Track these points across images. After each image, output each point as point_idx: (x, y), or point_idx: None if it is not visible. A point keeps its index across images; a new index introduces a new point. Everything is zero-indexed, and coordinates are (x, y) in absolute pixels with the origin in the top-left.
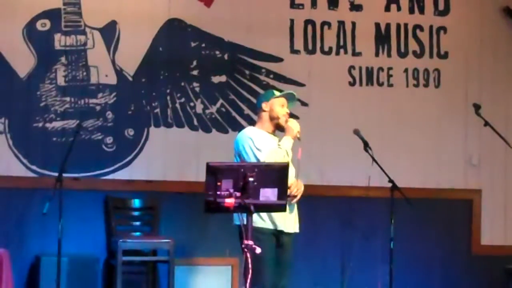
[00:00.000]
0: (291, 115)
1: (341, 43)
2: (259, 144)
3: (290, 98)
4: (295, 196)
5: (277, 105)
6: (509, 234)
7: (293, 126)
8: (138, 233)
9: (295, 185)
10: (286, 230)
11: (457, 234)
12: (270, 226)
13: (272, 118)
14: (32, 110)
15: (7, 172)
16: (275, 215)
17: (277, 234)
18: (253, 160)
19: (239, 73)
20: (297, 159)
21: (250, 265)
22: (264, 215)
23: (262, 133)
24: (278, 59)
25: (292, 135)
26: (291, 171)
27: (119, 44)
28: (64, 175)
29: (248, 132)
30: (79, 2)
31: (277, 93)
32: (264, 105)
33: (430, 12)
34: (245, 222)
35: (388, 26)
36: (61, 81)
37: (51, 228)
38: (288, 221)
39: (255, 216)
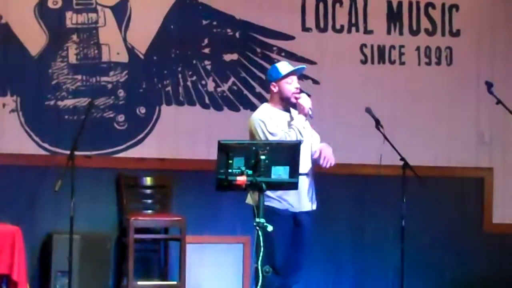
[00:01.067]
0: (301, 92)
1: (353, 21)
2: (271, 128)
3: (297, 71)
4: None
5: (285, 84)
6: None
7: (304, 103)
8: (149, 211)
9: (322, 154)
10: (301, 209)
11: (469, 212)
12: (285, 207)
13: (282, 98)
14: (44, 88)
15: (19, 150)
16: (290, 194)
17: (293, 214)
18: None
19: (251, 51)
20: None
21: (261, 243)
22: (279, 195)
23: (275, 112)
24: (290, 37)
25: (304, 112)
26: (307, 145)
27: (131, 22)
28: (76, 153)
29: (261, 114)
30: None
31: (283, 70)
32: (273, 86)
33: None
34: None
35: (400, 4)
36: (72, 59)
37: (63, 206)
38: (303, 200)
39: (271, 195)
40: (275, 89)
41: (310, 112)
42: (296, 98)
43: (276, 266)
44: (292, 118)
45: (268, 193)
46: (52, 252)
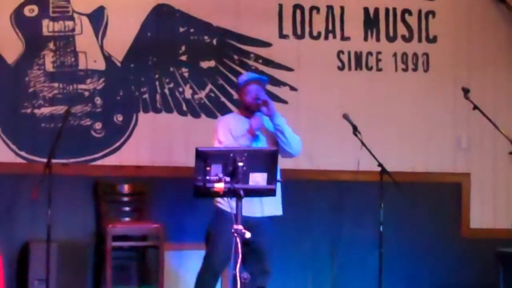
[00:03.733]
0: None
1: (330, 27)
2: (222, 136)
3: (254, 79)
4: None
5: (244, 94)
6: (498, 217)
7: (254, 124)
8: (127, 219)
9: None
10: (248, 215)
11: (447, 218)
12: (229, 210)
13: (244, 107)
14: (20, 96)
15: None
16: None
17: (246, 219)
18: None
19: (228, 58)
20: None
21: (239, 250)
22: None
23: (237, 120)
24: (267, 44)
25: (251, 131)
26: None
27: (107, 29)
28: (53, 161)
29: (220, 121)
30: None
31: (242, 79)
32: (237, 95)
33: None
34: (233, 210)
35: (376, 10)
36: (49, 67)
37: (41, 213)
38: (252, 205)
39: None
40: (238, 98)
41: (256, 133)
42: (256, 106)
43: (212, 265)
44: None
45: None
46: (30, 260)
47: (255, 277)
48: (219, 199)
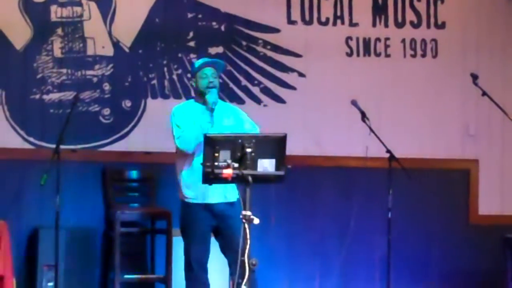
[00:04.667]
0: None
1: (338, 13)
2: (179, 121)
3: (215, 64)
4: None
5: (199, 79)
6: (506, 203)
7: (208, 97)
8: (136, 205)
9: None
10: (210, 201)
11: (455, 204)
12: (194, 199)
13: (197, 92)
14: (29, 82)
15: (4, 144)
16: (199, 186)
17: (205, 206)
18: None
19: (236, 44)
20: None
21: (247, 236)
22: (187, 187)
23: (192, 106)
24: (275, 30)
25: (208, 106)
26: None
27: (116, 15)
28: (62, 147)
29: (176, 107)
30: None
31: (196, 64)
32: (192, 81)
33: None
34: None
35: None
36: (57, 53)
37: (49, 200)
38: (211, 192)
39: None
40: (193, 83)
41: (213, 106)
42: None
43: (194, 258)
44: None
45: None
46: (38, 246)
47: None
48: (183, 190)
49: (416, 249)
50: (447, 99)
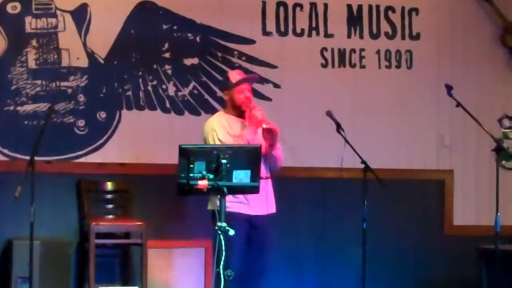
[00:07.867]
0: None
1: (313, 25)
2: (222, 135)
3: (248, 80)
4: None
5: (235, 94)
6: (481, 214)
7: (257, 116)
8: (111, 216)
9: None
10: (256, 213)
11: (430, 215)
12: (239, 210)
13: (233, 106)
14: (3, 93)
15: None
16: (245, 198)
17: (248, 218)
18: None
19: (211, 55)
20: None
21: (223, 248)
22: (233, 199)
23: (228, 119)
24: (250, 41)
25: (258, 125)
26: None
27: (90, 26)
28: (36, 158)
29: (213, 122)
30: None
31: (233, 79)
32: (224, 95)
33: None
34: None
35: (360, 7)
36: (32, 64)
37: (24, 211)
38: (258, 203)
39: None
40: (227, 97)
41: (265, 125)
42: (249, 108)
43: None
44: (244, 126)
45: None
46: (12, 258)
47: (252, 275)
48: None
49: (392, 260)
50: (422, 110)
